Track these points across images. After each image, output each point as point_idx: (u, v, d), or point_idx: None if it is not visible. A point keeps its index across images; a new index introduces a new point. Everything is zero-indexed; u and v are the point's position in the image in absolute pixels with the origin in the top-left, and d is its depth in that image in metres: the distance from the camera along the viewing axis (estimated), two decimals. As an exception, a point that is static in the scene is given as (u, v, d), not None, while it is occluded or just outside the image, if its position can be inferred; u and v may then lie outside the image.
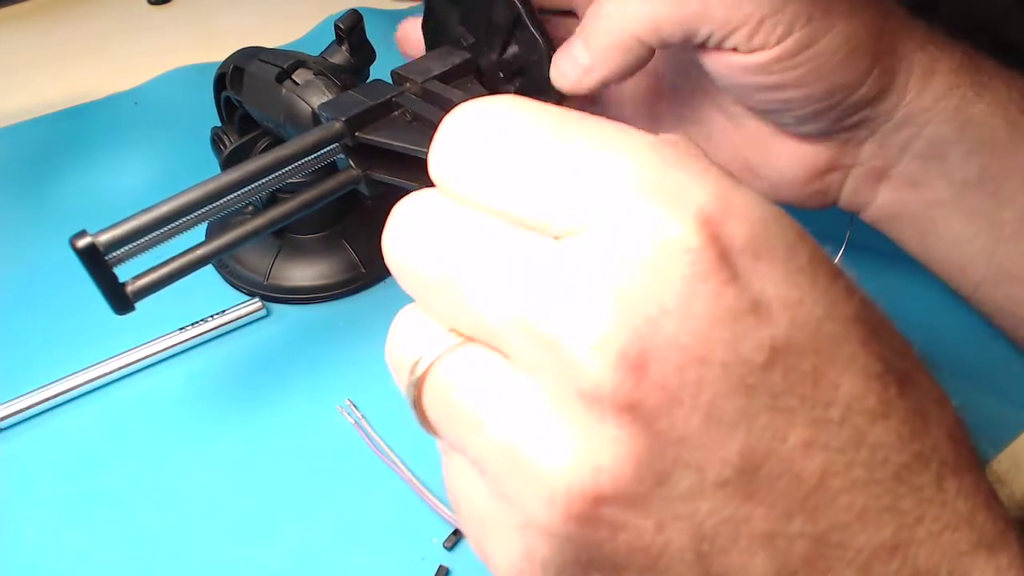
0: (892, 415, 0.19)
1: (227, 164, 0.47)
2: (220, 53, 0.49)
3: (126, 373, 0.44)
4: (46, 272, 0.50)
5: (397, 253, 0.21)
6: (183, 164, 0.58)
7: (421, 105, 0.36)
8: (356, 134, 0.35)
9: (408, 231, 0.21)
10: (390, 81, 0.39)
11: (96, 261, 0.29)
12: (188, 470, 0.40)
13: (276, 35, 0.71)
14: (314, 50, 0.46)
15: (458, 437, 0.21)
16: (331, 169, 0.37)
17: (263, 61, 0.43)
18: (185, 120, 0.62)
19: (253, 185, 0.32)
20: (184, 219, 0.31)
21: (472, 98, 0.35)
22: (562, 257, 0.18)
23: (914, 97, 0.38)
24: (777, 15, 0.35)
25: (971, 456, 0.21)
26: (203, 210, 0.31)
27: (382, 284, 0.50)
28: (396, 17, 0.73)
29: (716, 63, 0.38)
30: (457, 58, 0.39)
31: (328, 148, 0.35)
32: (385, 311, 0.49)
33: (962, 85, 0.38)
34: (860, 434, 0.19)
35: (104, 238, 0.29)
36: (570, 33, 0.38)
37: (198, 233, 0.34)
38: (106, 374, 0.44)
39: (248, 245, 0.39)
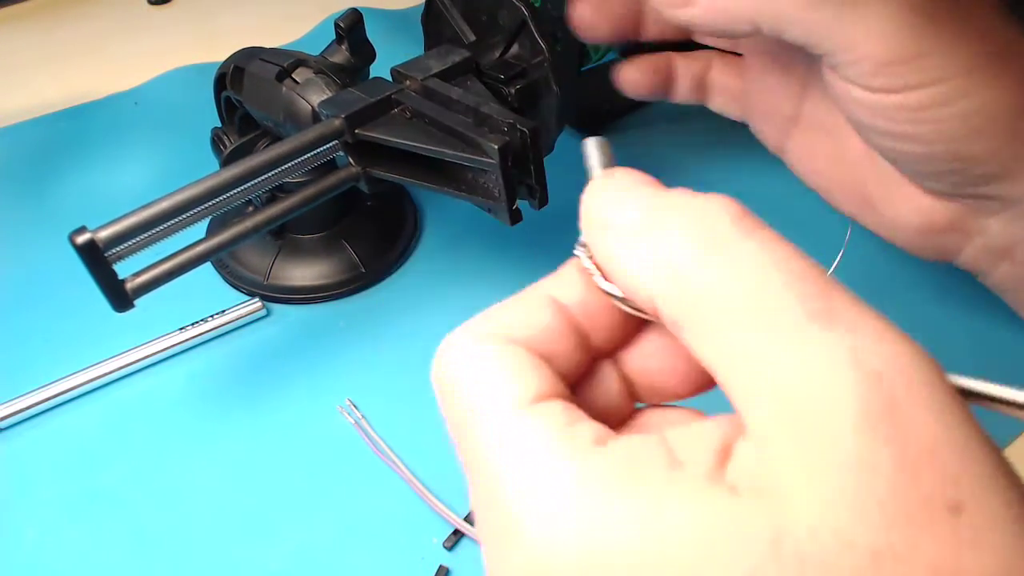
0: None
1: (227, 164, 0.47)
2: (220, 53, 0.49)
3: (126, 373, 0.44)
4: (46, 272, 0.50)
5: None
6: (183, 164, 0.58)
7: (421, 102, 0.36)
8: (356, 131, 0.35)
9: None
10: (390, 79, 0.39)
11: (96, 258, 0.29)
12: (188, 470, 0.40)
13: (276, 35, 0.71)
14: (314, 50, 0.46)
15: None
16: (331, 167, 0.37)
17: (263, 61, 0.43)
18: (185, 120, 0.62)
19: (253, 182, 0.32)
20: (184, 215, 0.31)
21: (472, 98, 0.35)
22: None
23: None
24: (911, 63, 0.30)
25: None
26: (203, 206, 0.31)
27: (382, 284, 0.50)
28: (396, 17, 0.73)
29: (835, 86, 0.34)
30: (457, 56, 0.39)
31: (328, 145, 0.35)
32: (385, 311, 0.49)
33: None
34: None
35: (104, 234, 0.29)
36: None
37: (198, 231, 0.34)
38: (106, 374, 0.43)
39: (248, 242, 0.39)
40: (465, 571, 0.36)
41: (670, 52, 0.44)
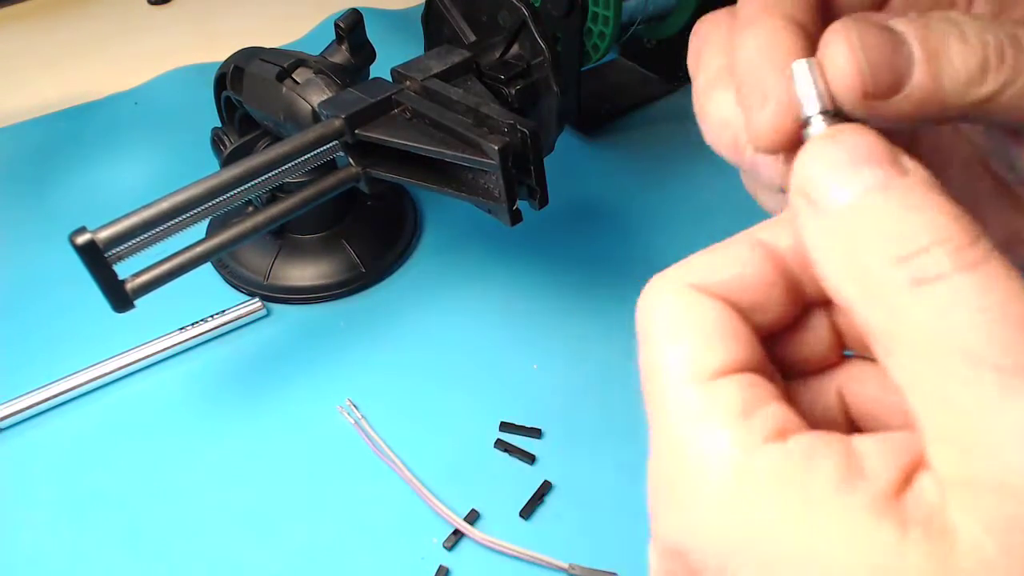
0: None
1: (227, 164, 0.47)
2: (220, 53, 0.49)
3: (126, 373, 0.44)
4: (46, 272, 0.50)
5: None
6: (183, 164, 0.58)
7: (421, 103, 0.36)
8: (356, 131, 0.35)
9: None
10: (390, 79, 0.39)
11: (96, 258, 0.29)
12: (188, 470, 0.40)
13: (276, 35, 0.71)
14: (314, 50, 0.46)
15: None
16: (331, 167, 0.37)
17: (263, 61, 0.43)
18: (185, 120, 0.62)
19: (253, 182, 0.32)
20: (184, 216, 0.31)
21: (472, 99, 0.35)
22: None
23: None
24: None
25: None
26: (203, 207, 0.31)
27: (382, 284, 0.50)
28: (396, 17, 0.73)
29: None
30: (457, 57, 0.39)
31: (328, 145, 0.35)
32: (385, 311, 0.49)
33: None
34: None
35: (104, 235, 0.29)
36: None
37: (198, 231, 0.34)
38: (106, 374, 0.43)
39: (248, 242, 0.39)
40: (465, 571, 0.36)
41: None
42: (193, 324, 0.45)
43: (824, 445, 0.17)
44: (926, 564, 0.15)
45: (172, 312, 0.46)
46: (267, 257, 0.49)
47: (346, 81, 0.42)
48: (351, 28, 0.44)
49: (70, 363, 0.44)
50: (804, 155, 0.19)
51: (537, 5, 0.42)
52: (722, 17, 0.27)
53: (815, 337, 0.22)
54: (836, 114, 0.22)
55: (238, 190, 0.32)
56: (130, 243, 0.30)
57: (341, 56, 0.45)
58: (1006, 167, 0.30)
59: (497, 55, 0.42)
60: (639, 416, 0.24)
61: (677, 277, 0.20)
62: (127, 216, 0.30)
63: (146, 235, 0.30)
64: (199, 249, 0.33)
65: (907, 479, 0.16)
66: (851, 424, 0.22)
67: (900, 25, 0.23)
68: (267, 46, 0.46)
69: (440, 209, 0.54)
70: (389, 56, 0.44)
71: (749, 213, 0.54)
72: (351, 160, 0.36)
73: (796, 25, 0.24)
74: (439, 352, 0.45)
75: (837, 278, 0.18)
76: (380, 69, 0.43)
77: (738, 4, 0.26)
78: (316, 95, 0.41)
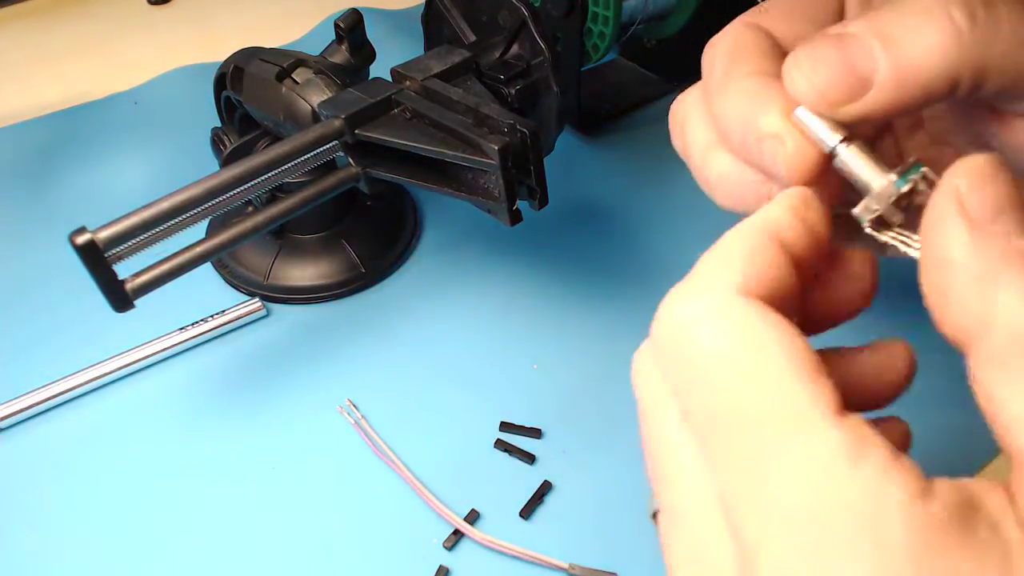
0: None
1: (227, 164, 0.47)
2: (220, 53, 0.49)
3: (126, 373, 0.44)
4: (46, 272, 0.50)
5: None
6: (183, 164, 0.58)
7: (421, 103, 0.36)
8: (356, 131, 0.35)
9: None
10: (390, 79, 0.39)
11: (95, 258, 0.29)
12: (188, 470, 0.40)
13: (276, 35, 0.71)
14: (314, 50, 0.46)
15: None
16: (331, 167, 0.37)
17: (263, 61, 0.43)
18: (185, 120, 0.62)
19: (253, 182, 0.32)
20: (184, 216, 0.31)
21: (472, 99, 0.35)
22: None
23: None
24: None
25: None
26: (203, 207, 0.31)
27: (382, 284, 0.50)
28: (396, 17, 0.73)
29: (1018, 135, 0.28)
30: (457, 57, 0.39)
31: (328, 145, 0.35)
32: (385, 311, 0.49)
33: None
34: None
35: (103, 235, 0.29)
36: None
37: (198, 231, 0.34)
38: (106, 374, 0.43)
39: (248, 242, 0.39)
40: (465, 571, 0.36)
41: None
42: (193, 324, 0.45)
43: (986, 493, 0.17)
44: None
45: (172, 312, 0.46)
46: (267, 257, 0.49)
47: (346, 81, 0.42)
48: (351, 28, 0.44)
49: (70, 363, 0.44)
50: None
51: (537, 5, 0.42)
52: (694, 93, 0.28)
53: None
54: (850, 134, 0.24)
55: (238, 190, 0.32)
56: (130, 243, 0.30)
57: (341, 56, 0.45)
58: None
59: (497, 55, 0.42)
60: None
61: (732, 289, 0.20)
62: (127, 216, 0.30)
63: (146, 235, 0.30)
64: (199, 249, 0.33)
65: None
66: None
67: (852, 26, 0.24)
68: (267, 46, 0.46)
69: (440, 209, 0.54)
70: (389, 56, 0.44)
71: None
72: (351, 160, 0.36)
73: (765, 75, 0.25)
74: (439, 352, 0.45)
75: (980, 294, 0.18)
76: (380, 69, 0.43)
77: (703, 77, 0.28)
78: (316, 95, 0.41)
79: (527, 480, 0.39)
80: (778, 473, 0.18)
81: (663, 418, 0.21)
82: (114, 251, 0.30)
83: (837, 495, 0.17)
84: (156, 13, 0.79)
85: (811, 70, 0.24)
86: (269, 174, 0.33)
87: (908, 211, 0.23)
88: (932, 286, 0.20)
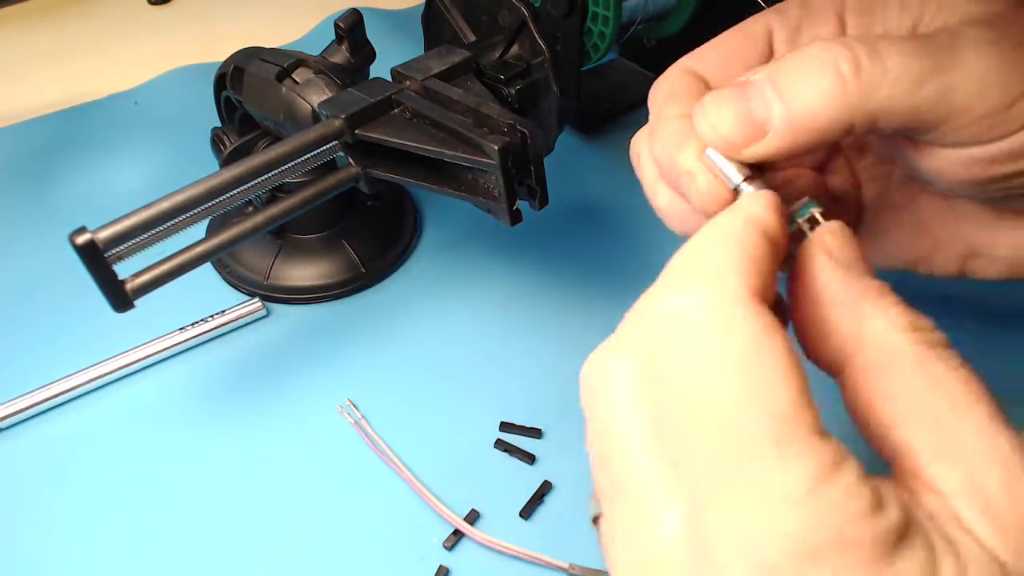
0: None
1: (227, 164, 0.47)
2: (220, 53, 0.49)
3: (126, 373, 0.44)
4: (46, 272, 0.50)
5: None
6: (183, 164, 0.58)
7: (421, 103, 0.36)
8: (356, 131, 0.35)
9: None
10: (390, 79, 0.39)
11: (95, 258, 0.29)
12: (188, 470, 0.40)
13: (276, 35, 0.71)
14: (314, 50, 0.46)
15: None
16: (331, 167, 0.37)
17: (263, 61, 0.43)
18: (185, 120, 0.62)
19: (253, 182, 0.32)
20: (184, 216, 0.31)
21: (472, 99, 0.35)
22: None
23: None
24: (1021, 101, 0.27)
25: None
26: (203, 207, 0.31)
27: (382, 284, 0.50)
28: (396, 17, 0.73)
29: (937, 159, 0.30)
30: (457, 56, 0.39)
31: (328, 145, 0.35)
32: (385, 311, 0.49)
33: None
34: None
35: (104, 235, 0.29)
36: None
37: (198, 231, 0.34)
38: (106, 374, 0.43)
39: (248, 242, 0.39)
40: (465, 571, 0.36)
41: None
42: (193, 324, 0.45)
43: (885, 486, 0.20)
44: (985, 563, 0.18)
45: (172, 312, 0.46)
46: (267, 257, 0.49)
47: (346, 81, 0.42)
48: (351, 28, 0.44)
49: (70, 363, 0.44)
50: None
51: (537, 5, 0.42)
52: (644, 130, 0.31)
53: None
54: (752, 174, 0.26)
55: (238, 190, 0.32)
56: (130, 243, 0.30)
57: (341, 56, 0.45)
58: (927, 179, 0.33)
59: (497, 55, 0.42)
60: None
61: (738, 294, 0.21)
62: (127, 216, 0.30)
63: (146, 235, 0.30)
64: (199, 249, 0.33)
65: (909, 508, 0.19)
66: None
67: (757, 74, 0.27)
68: (267, 46, 0.46)
69: (440, 209, 0.54)
70: (389, 56, 0.44)
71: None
72: (351, 160, 0.36)
73: (690, 118, 0.28)
74: (439, 352, 0.45)
75: (850, 322, 0.22)
76: (380, 69, 0.43)
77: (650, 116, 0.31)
78: (316, 95, 0.41)
79: (527, 480, 0.39)
80: (755, 489, 0.19)
81: (631, 425, 0.22)
82: (114, 251, 0.30)
83: (809, 514, 0.18)
84: (156, 13, 0.79)
85: (715, 116, 0.27)
86: (269, 174, 0.33)
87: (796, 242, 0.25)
88: (807, 318, 0.23)
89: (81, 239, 0.29)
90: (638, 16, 0.56)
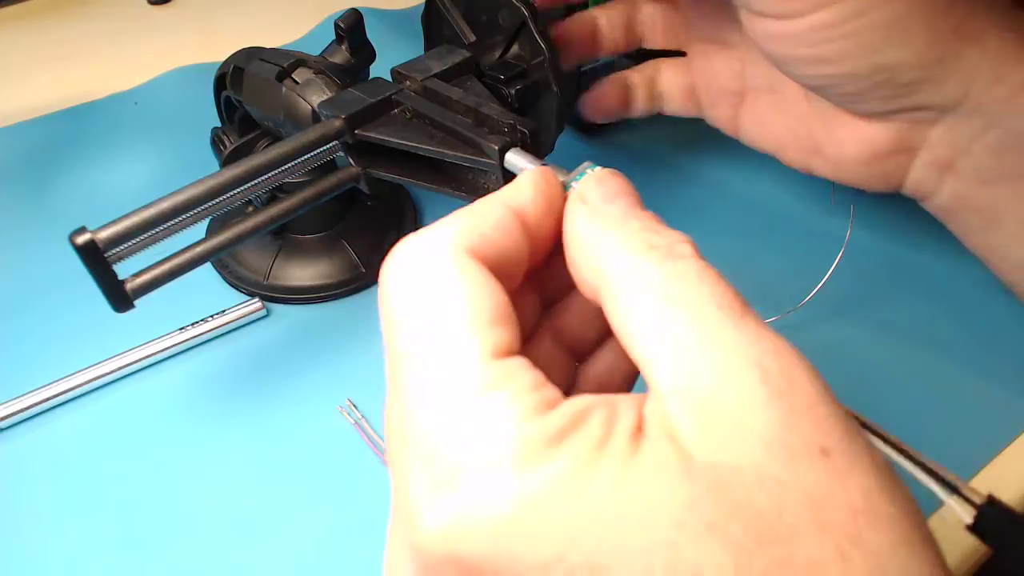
0: None
1: (227, 164, 0.47)
2: (220, 53, 0.49)
3: (126, 373, 0.44)
4: (46, 272, 0.50)
5: None
6: (183, 164, 0.58)
7: (421, 103, 0.36)
8: (356, 131, 0.35)
9: None
10: (390, 79, 0.39)
11: (95, 258, 0.29)
12: (188, 470, 0.40)
13: (276, 35, 0.71)
14: (314, 50, 0.46)
15: None
16: (331, 167, 0.37)
17: (263, 61, 0.43)
18: (185, 120, 0.62)
19: (254, 182, 0.32)
20: (184, 216, 0.31)
21: (472, 99, 0.35)
22: None
23: (985, 87, 0.34)
24: None
25: None
26: (203, 207, 0.31)
27: (382, 284, 0.50)
28: (396, 17, 0.73)
29: (750, 26, 0.35)
30: (457, 57, 0.39)
31: (328, 146, 0.35)
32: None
33: None
34: None
35: (104, 235, 0.29)
36: None
37: (198, 231, 0.34)
38: (106, 374, 0.43)
39: (248, 242, 0.39)
40: (465, 571, 0.36)
41: (624, 71, 0.49)
42: (193, 324, 0.45)
43: (594, 404, 0.20)
44: (670, 460, 0.19)
45: (172, 312, 0.46)
46: (267, 257, 0.49)
47: (346, 81, 0.42)
48: (351, 28, 0.44)
49: (70, 363, 0.44)
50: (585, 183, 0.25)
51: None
52: None
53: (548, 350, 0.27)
54: (544, 163, 0.29)
55: (238, 190, 0.32)
56: (130, 243, 0.30)
57: (341, 56, 0.45)
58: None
59: (497, 55, 0.42)
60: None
61: (450, 240, 0.23)
62: (127, 216, 0.30)
63: (146, 235, 0.30)
64: (199, 249, 0.33)
65: (642, 416, 0.20)
66: None
67: None
68: (267, 46, 0.46)
69: (440, 209, 0.54)
70: (389, 56, 0.44)
71: (744, 212, 0.54)
72: (351, 160, 0.36)
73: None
74: (439, 352, 0.45)
75: (595, 254, 0.23)
76: (380, 69, 0.43)
77: None
78: (316, 95, 0.41)
79: (527, 480, 0.39)
80: (424, 397, 0.21)
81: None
82: (114, 251, 0.30)
83: (463, 419, 0.20)
84: (156, 13, 0.79)
85: None
86: (269, 174, 0.33)
87: None
88: (569, 259, 0.24)
89: (81, 239, 0.29)
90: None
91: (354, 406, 0.43)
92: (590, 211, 0.24)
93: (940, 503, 0.22)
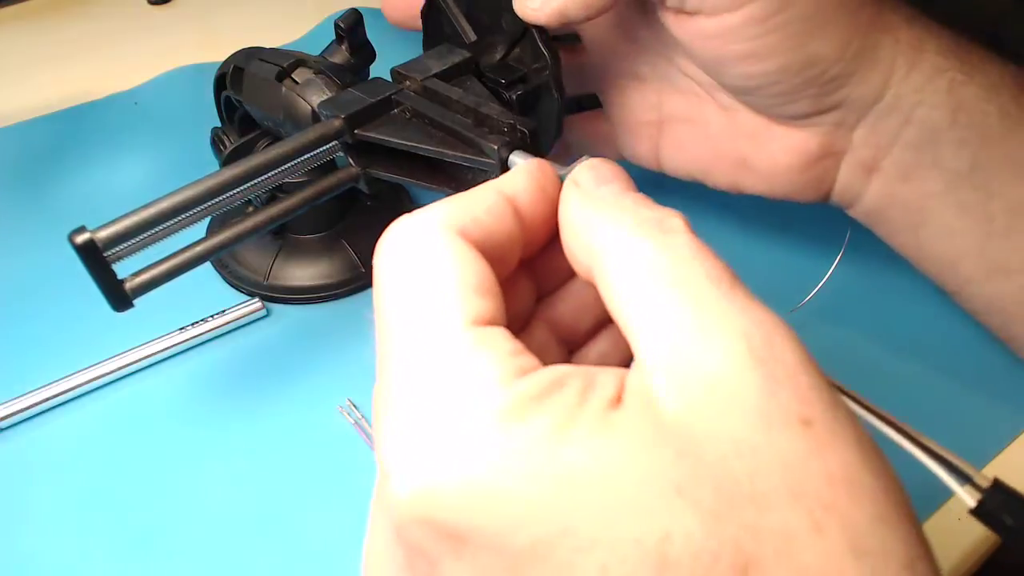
0: None
1: (227, 164, 0.47)
2: (220, 53, 0.49)
3: (126, 373, 0.44)
4: (46, 272, 0.50)
5: None
6: (183, 164, 0.58)
7: (421, 103, 0.36)
8: (356, 131, 0.35)
9: None
10: (390, 80, 0.39)
11: (95, 257, 0.29)
12: (188, 470, 0.40)
13: (276, 35, 0.71)
14: (314, 50, 0.46)
15: None
16: (331, 167, 0.37)
17: (263, 61, 0.43)
18: (185, 120, 0.62)
19: (253, 182, 0.32)
20: (184, 216, 0.31)
21: (472, 99, 0.35)
22: None
23: (902, 77, 0.37)
24: None
25: None
26: (203, 207, 0.31)
27: (382, 284, 0.50)
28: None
29: (682, 29, 0.37)
30: (457, 57, 0.39)
31: (328, 146, 0.35)
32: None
33: (951, 68, 0.37)
34: None
35: (103, 234, 0.29)
36: None
37: (198, 231, 0.34)
38: (106, 374, 0.43)
39: (248, 242, 0.39)
40: (465, 571, 0.36)
41: None
42: (193, 324, 0.45)
43: (572, 372, 0.20)
44: (644, 425, 0.19)
45: (172, 312, 0.45)
46: (267, 257, 0.49)
47: (346, 81, 0.42)
48: (351, 28, 0.44)
49: (70, 363, 0.44)
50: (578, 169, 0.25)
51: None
52: None
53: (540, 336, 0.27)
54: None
55: (238, 190, 0.32)
56: (129, 243, 0.30)
57: (341, 56, 0.45)
58: (723, 91, 0.41)
59: (497, 57, 0.42)
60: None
61: (440, 221, 0.23)
62: (126, 216, 0.30)
63: (145, 235, 0.30)
64: (198, 248, 0.33)
65: (623, 386, 0.20)
66: None
67: None
68: (267, 46, 0.46)
69: (440, 209, 0.54)
70: (389, 56, 0.44)
71: (744, 212, 0.54)
72: (351, 160, 0.36)
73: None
74: (439, 352, 0.45)
75: (588, 232, 0.23)
76: (380, 69, 0.43)
77: None
78: (316, 95, 0.41)
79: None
80: (402, 361, 0.21)
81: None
82: (113, 250, 0.30)
83: (439, 381, 0.20)
84: (156, 13, 0.79)
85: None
86: (269, 174, 0.33)
87: None
88: (564, 240, 0.24)
89: (80, 239, 0.29)
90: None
91: (354, 406, 0.43)
92: (583, 193, 0.24)
93: (946, 495, 0.22)
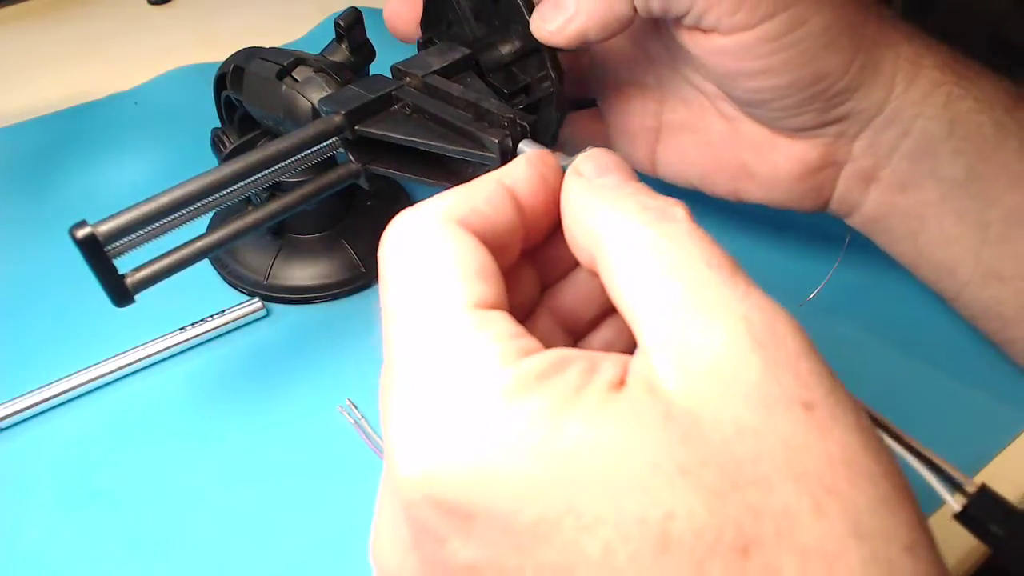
0: None
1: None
2: (220, 53, 0.49)
3: (126, 373, 0.44)
4: (46, 272, 0.50)
5: None
6: (183, 164, 0.58)
7: (421, 99, 0.36)
8: (356, 127, 0.35)
9: None
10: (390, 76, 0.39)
11: (96, 252, 0.29)
12: (188, 470, 0.40)
13: (276, 35, 0.71)
14: (314, 49, 0.46)
15: None
16: (331, 163, 0.37)
17: (263, 60, 0.43)
18: (185, 120, 0.62)
19: (254, 177, 0.32)
20: (184, 211, 0.31)
21: (472, 94, 0.35)
22: None
23: (902, 91, 0.38)
24: None
25: None
26: (203, 202, 0.31)
27: (383, 283, 0.50)
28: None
29: (697, 45, 0.38)
30: (457, 53, 0.39)
31: (328, 142, 0.35)
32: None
33: (948, 82, 0.38)
34: None
35: (104, 228, 0.29)
36: None
37: (200, 228, 0.33)
38: (106, 374, 0.43)
39: (248, 241, 0.39)
40: (466, 570, 0.36)
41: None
42: (193, 324, 0.45)
43: (575, 355, 0.21)
44: (647, 406, 0.19)
45: (171, 312, 0.45)
46: (267, 257, 0.49)
47: (346, 79, 0.42)
48: (351, 27, 0.44)
49: (70, 363, 0.43)
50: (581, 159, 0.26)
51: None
52: None
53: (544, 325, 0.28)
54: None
55: (239, 185, 0.32)
56: (130, 237, 0.30)
57: (341, 55, 0.45)
58: (728, 102, 0.41)
59: (498, 57, 0.41)
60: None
61: (440, 212, 0.23)
62: (127, 210, 0.30)
63: (146, 230, 0.30)
64: (199, 244, 0.33)
65: (626, 369, 0.20)
66: None
67: None
68: (267, 46, 0.46)
69: (440, 208, 0.54)
70: (389, 55, 0.44)
71: (745, 212, 0.54)
72: (351, 156, 0.36)
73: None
74: (440, 351, 0.45)
75: (590, 220, 0.23)
76: (380, 68, 0.43)
77: None
78: (316, 93, 0.41)
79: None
80: (405, 343, 0.21)
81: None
82: (114, 245, 0.30)
83: (441, 362, 0.20)
84: (156, 13, 0.79)
85: (543, 11, 0.37)
86: (269, 170, 0.33)
87: None
88: (566, 229, 0.25)
89: (81, 233, 0.29)
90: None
91: (354, 406, 0.42)
92: (584, 182, 0.24)
93: (942, 502, 0.22)
